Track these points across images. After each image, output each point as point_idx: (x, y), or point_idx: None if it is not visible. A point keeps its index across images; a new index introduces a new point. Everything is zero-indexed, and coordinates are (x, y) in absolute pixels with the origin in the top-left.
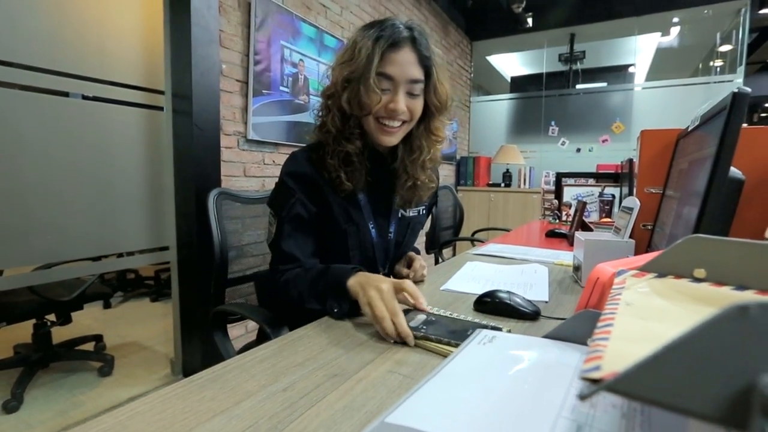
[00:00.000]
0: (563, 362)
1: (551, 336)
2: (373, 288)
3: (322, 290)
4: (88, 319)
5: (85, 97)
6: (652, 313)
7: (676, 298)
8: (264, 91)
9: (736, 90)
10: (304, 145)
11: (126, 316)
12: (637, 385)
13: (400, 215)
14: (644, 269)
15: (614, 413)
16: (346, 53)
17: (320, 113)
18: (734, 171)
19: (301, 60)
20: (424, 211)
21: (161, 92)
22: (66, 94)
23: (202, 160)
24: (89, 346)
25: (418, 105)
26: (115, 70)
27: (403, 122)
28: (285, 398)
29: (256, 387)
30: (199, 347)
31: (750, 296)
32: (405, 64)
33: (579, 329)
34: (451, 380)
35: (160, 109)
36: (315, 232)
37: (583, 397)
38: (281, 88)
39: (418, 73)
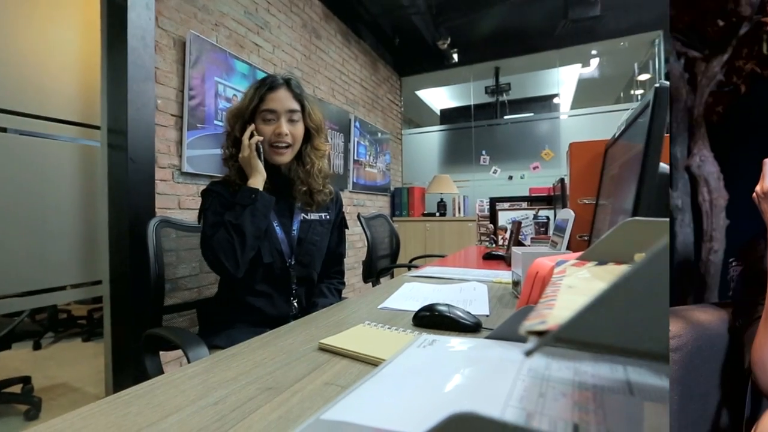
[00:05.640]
0: (507, 358)
1: (492, 337)
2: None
3: (239, 209)
4: (16, 361)
5: (21, 133)
6: (595, 293)
7: None
8: (198, 125)
9: (657, 85)
10: None
11: (56, 356)
12: (579, 330)
13: (302, 217)
14: (584, 258)
15: (565, 402)
16: (240, 102)
17: (224, 147)
18: (664, 166)
19: (234, 95)
20: (326, 217)
21: (97, 127)
22: (4, 130)
23: (136, 193)
24: (16, 389)
25: (299, 129)
26: (52, 106)
27: (289, 145)
28: (215, 411)
29: (185, 402)
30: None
31: None
32: (283, 99)
33: (520, 327)
34: (390, 380)
35: (96, 143)
36: None
37: (528, 352)
38: (215, 122)
39: (294, 105)
